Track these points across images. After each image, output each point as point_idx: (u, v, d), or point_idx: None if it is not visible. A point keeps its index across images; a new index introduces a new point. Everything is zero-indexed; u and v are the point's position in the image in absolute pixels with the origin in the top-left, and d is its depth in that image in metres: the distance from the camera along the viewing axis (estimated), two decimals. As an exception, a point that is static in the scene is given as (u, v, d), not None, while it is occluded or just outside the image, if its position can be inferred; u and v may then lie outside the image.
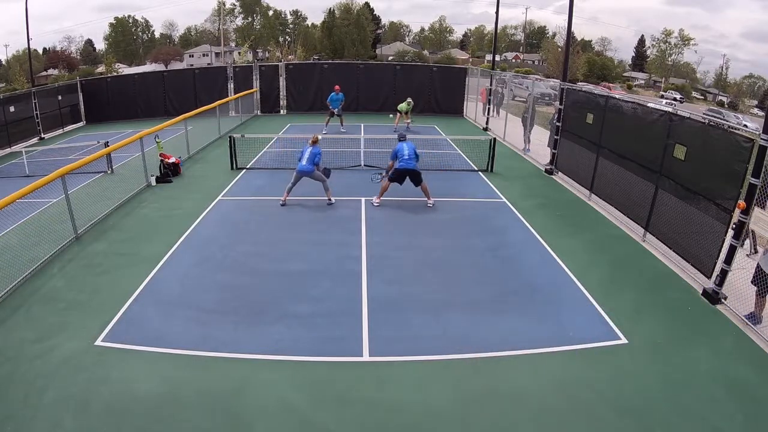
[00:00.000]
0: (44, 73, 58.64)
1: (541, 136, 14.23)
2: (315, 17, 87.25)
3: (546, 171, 12.11)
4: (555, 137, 11.81)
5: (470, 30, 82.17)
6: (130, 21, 71.82)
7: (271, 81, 21.37)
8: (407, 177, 9.20)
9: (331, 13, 70.04)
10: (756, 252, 5.93)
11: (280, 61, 29.81)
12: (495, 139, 12.20)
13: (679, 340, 5.31)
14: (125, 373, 4.66)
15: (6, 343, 5.10)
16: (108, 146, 11.06)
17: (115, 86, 21.93)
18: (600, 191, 9.63)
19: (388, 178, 9.30)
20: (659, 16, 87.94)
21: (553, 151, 11.96)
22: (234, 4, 73.58)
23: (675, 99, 47.21)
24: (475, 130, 18.17)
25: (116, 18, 69.95)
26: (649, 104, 8.54)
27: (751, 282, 5.74)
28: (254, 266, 6.91)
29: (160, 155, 11.43)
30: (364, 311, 5.73)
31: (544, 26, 76.52)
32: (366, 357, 4.96)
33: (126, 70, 57.51)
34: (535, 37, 77.36)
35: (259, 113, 21.22)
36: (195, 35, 76.65)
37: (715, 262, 6.19)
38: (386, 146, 9.59)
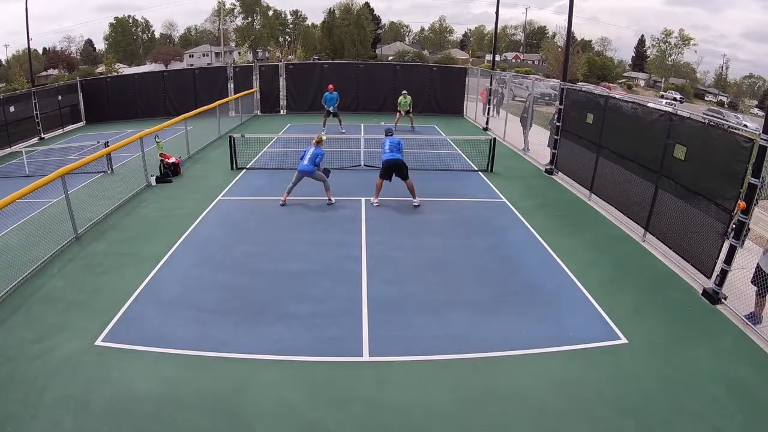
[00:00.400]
0: (44, 73, 58.64)
1: (541, 136, 14.24)
2: (315, 17, 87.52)
3: (546, 171, 12.11)
4: (555, 137, 11.81)
5: (470, 30, 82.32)
6: (130, 21, 71.86)
7: (271, 81, 21.36)
8: (393, 172, 9.13)
9: (331, 13, 70.09)
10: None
11: (280, 61, 29.80)
12: (495, 139, 12.20)
13: (679, 340, 5.31)
14: (125, 373, 4.66)
15: (6, 343, 5.10)
16: (108, 146, 11.05)
17: (115, 86, 21.92)
18: (600, 191, 9.63)
19: (379, 175, 9.28)
20: (659, 16, 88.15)
21: (553, 151, 11.96)
22: (234, 4, 73.68)
23: (675, 99, 47.21)
24: (475, 130, 18.17)
25: (116, 18, 70.06)
26: (649, 104, 8.54)
27: (751, 282, 5.74)
28: (254, 266, 6.91)
29: (160, 155, 11.43)
30: (364, 311, 5.73)
31: (544, 26, 76.71)
32: (366, 357, 4.96)
33: (126, 70, 57.51)
34: (535, 37, 77.40)
35: (259, 113, 21.22)
36: (195, 35, 76.67)
37: (715, 262, 6.19)
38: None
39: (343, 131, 16.02)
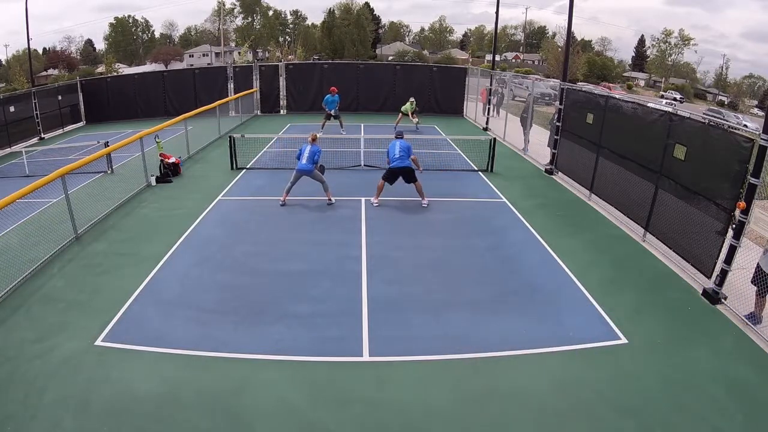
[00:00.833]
0: (44, 73, 58.63)
1: (541, 136, 14.24)
2: (315, 17, 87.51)
3: (546, 171, 12.11)
4: (555, 137, 11.81)
5: (470, 30, 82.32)
6: (130, 21, 71.86)
7: (271, 81, 21.36)
8: (399, 176, 9.17)
9: (331, 13, 70.09)
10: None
11: (280, 61, 29.79)
12: (495, 139, 12.20)
13: (679, 340, 5.31)
14: (125, 373, 4.66)
15: (6, 343, 5.10)
16: (108, 146, 11.06)
17: (115, 86, 21.93)
18: (600, 191, 9.63)
19: (382, 177, 9.29)
20: (659, 16, 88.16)
21: (553, 151, 11.96)
22: (234, 4, 73.65)
23: (675, 99, 47.21)
24: (475, 130, 18.17)
25: (116, 18, 70.06)
26: (649, 104, 8.53)
27: (751, 282, 5.74)
28: (254, 266, 6.91)
29: (160, 155, 11.43)
30: (364, 311, 5.73)
31: (544, 26, 76.70)
32: (366, 357, 4.96)
33: (126, 70, 57.50)
34: (535, 37, 77.39)
35: (259, 113, 21.22)
36: (195, 35, 76.67)
37: (715, 262, 6.19)
38: (386, 146, 9.62)
39: (343, 132, 15.99)
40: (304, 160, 9.05)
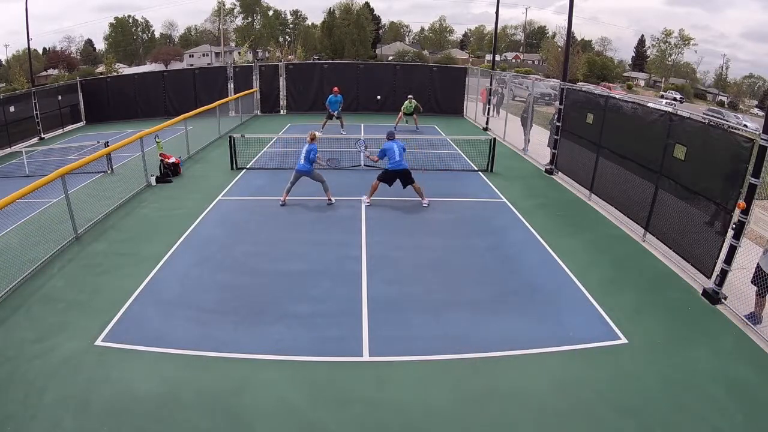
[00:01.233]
0: (44, 73, 58.61)
1: (541, 136, 14.23)
2: (315, 17, 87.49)
3: (546, 171, 12.11)
4: (555, 137, 11.81)
5: (470, 30, 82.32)
6: (130, 21, 71.85)
7: (271, 81, 21.36)
8: (397, 178, 9.16)
9: (331, 13, 70.06)
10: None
11: (280, 61, 29.80)
12: (495, 139, 12.20)
13: (679, 340, 5.31)
14: (125, 373, 4.66)
15: (6, 343, 5.10)
16: (108, 146, 11.06)
17: (115, 86, 21.93)
18: (600, 191, 9.63)
19: (378, 178, 9.27)
20: (659, 16, 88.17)
21: (553, 151, 11.96)
22: (234, 4, 73.64)
23: (675, 99, 47.20)
24: (475, 130, 18.17)
25: (116, 18, 70.04)
26: (649, 104, 8.53)
27: (751, 282, 5.74)
28: (254, 266, 6.91)
29: (160, 155, 11.43)
30: (364, 311, 5.73)
31: (544, 26, 76.66)
32: (366, 357, 4.96)
33: (126, 70, 57.50)
34: (535, 37, 77.36)
35: (259, 113, 21.22)
36: (195, 35, 76.65)
37: (715, 262, 6.19)
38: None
39: (344, 132, 16.00)
40: (302, 161, 9.07)
